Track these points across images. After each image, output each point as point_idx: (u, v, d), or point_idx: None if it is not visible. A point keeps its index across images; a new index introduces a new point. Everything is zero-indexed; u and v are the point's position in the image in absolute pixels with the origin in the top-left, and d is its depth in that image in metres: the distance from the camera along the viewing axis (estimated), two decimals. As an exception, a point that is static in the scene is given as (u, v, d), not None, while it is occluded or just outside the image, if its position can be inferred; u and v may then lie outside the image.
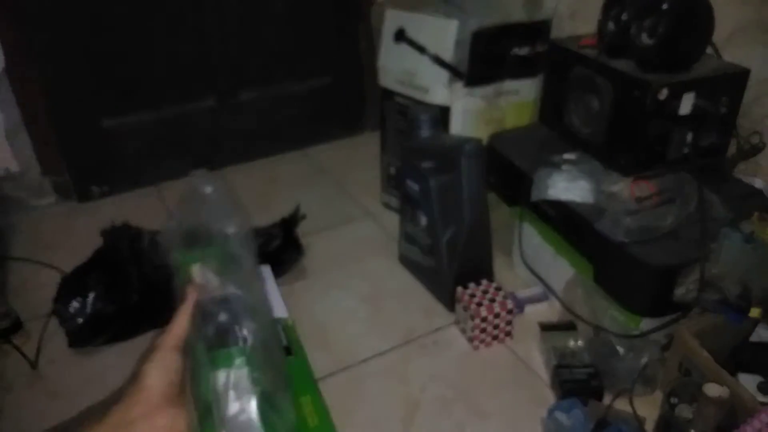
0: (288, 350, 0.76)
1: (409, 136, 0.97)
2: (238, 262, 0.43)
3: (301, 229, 1.07)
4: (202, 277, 0.40)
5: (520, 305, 0.92)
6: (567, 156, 0.85)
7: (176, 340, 0.37)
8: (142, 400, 0.33)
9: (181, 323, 0.38)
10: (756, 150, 0.83)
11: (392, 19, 1.08)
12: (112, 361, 0.86)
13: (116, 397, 0.34)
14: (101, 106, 1.26)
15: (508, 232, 1.00)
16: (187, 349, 0.38)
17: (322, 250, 1.12)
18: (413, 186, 0.95)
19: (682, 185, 0.77)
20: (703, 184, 0.74)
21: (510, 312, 0.86)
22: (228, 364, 0.39)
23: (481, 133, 1.06)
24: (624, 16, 0.76)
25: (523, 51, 1.05)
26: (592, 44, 0.82)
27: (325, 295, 1.00)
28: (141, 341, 0.90)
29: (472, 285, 0.88)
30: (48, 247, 1.12)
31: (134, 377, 0.35)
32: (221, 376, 0.38)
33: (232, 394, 0.38)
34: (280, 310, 0.82)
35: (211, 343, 0.40)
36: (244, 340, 0.40)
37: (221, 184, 0.44)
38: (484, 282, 0.89)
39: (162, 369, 0.35)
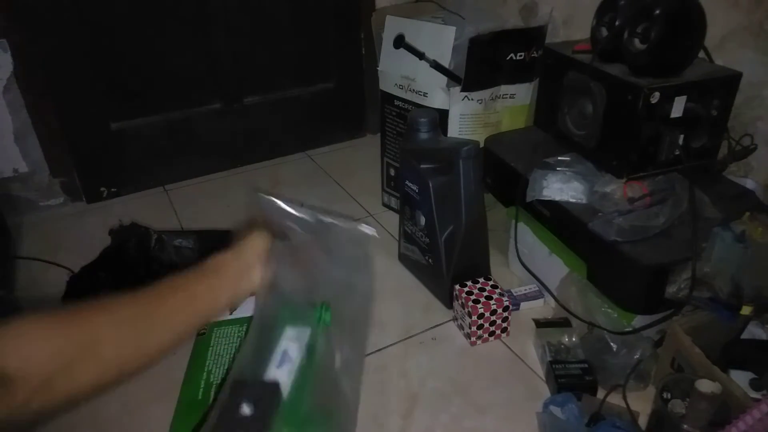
0: None
1: (409, 139, 0.99)
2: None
3: (304, 229, 1.09)
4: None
5: (515, 302, 0.94)
6: (561, 158, 0.86)
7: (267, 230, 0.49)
8: (242, 258, 0.48)
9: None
10: (747, 151, 0.84)
11: (392, 26, 1.10)
12: (119, 356, 0.88)
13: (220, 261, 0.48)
14: (109, 109, 1.29)
15: (504, 232, 1.02)
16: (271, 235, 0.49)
17: (324, 249, 1.14)
18: (412, 187, 0.96)
19: (674, 186, 0.78)
20: (694, 184, 0.75)
21: (506, 309, 0.87)
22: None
23: (478, 135, 1.09)
24: (617, 22, 0.77)
25: (518, 56, 1.07)
26: (585, 49, 0.84)
27: (326, 293, 1.02)
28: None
29: (469, 283, 0.90)
30: (56, 247, 1.14)
31: (240, 245, 0.48)
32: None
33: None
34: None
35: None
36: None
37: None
38: (481, 280, 0.91)
39: (257, 242, 0.49)
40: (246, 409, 0.42)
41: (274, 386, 0.45)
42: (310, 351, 0.47)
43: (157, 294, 0.43)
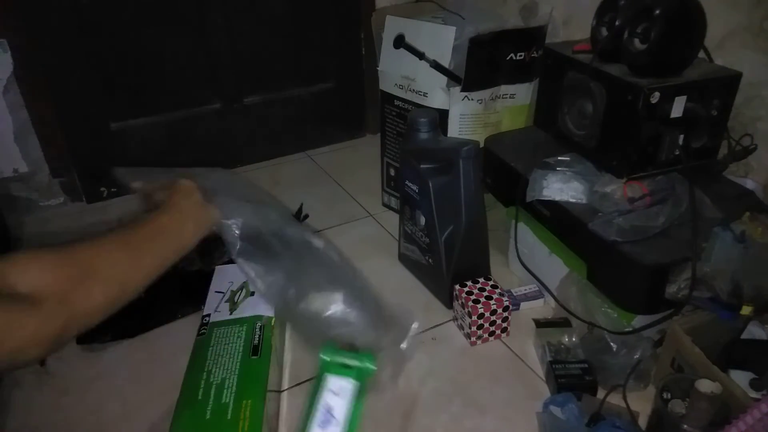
0: (256, 349, 0.75)
1: (409, 139, 0.99)
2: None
3: (304, 229, 1.09)
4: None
5: (515, 302, 0.94)
6: (561, 158, 0.86)
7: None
8: (191, 198, 0.55)
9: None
10: (747, 152, 0.84)
11: (392, 26, 1.10)
12: (119, 357, 0.88)
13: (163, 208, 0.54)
14: (109, 109, 1.29)
15: (504, 232, 1.02)
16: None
17: (324, 249, 1.14)
18: (412, 187, 0.97)
19: (674, 186, 0.78)
20: (694, 184, 0.75)
21: (506, 309, 0.87)
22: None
23: (478, 135, 1.09)
24: (617, 22, 0.77)
25: (518, 56, 1.07)
26: (585, 49, 0.84)
27: (326, 293, 1.02)
28: (148, 338, 0.92)
29: (469, 283, 0.90)
30: (56, 247, 1.15)
31: (181, 189, 0.55)
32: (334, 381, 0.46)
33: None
34: (265, 309, 0.82)
35: None
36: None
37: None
38: (481, 280, 0.91)
39: (191, 186, 0.56)
40: None
41: None
42: (355, 408, 0.45)
43: (132, 228, 0.51)
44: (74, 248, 0.45)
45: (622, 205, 0.78)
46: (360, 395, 0.45)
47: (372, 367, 0.47)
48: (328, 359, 0.46)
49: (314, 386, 0.46)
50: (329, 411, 0.44)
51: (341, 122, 1.61)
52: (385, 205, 1.28)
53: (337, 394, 0.45)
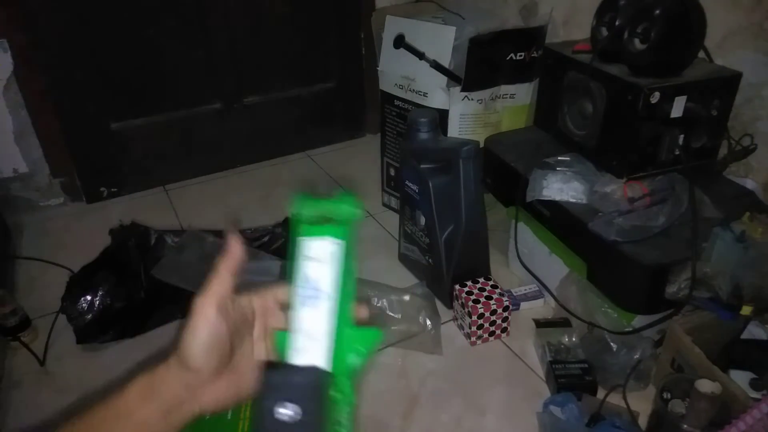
0: None
1: (409, 139, 0.99)
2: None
3: (304, 229, 1.09)
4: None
5: (515, 302, 0.94)
6: (561, 158, 0.86)
7: (215, 300, 0.33)
8: (186, 383, 0.33)
9: (221, 280, 0.33)
10: (747, 152, 0.84)
11: (392, 26, 1.10)
12: (118, 357, 0.88)
13: (156, 378, 0.33)
14: (109, 108, 1.29)
15: (504, 232, 1.02)
16: (228, 306, 0.34)
17: (324, 249, 1.13)
18: (412, 187, 0.97)
19: (674, 186, 0.78)
20: (694, 184, 0.75)
21: (506, 309, 0.87)
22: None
23: (478, 135, 1.09)
24: (617, 22, 0.78)
25: (518, 56, 1.06)
26: (585, 49, 0.84)
27: (326, 293, 1.02)
28: (148, 338, 0.92)
29: (469, 283, 0.90)
30: (56, 247, 1.14)
31: (176, 355, 0.33)
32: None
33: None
34: None
35: None
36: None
37: None
38: (481, 280, 0.91)
39: (201, 343, 0.32)
40: (284, 414, 0.29)
41: (312, 372, 0.31)
42: (345, 270, 0.31)
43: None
44: None
45: (622, 205, 0.77)
46: (348, 251, 0.32)
47: (355, 211, 0.33)
48: (299, 215, 0.32)
49: (292, 254, 0.32)
50: (313, 284, 0.32)
51: (341, 122, 1.61)
52: (385, 205, 1.28)
53: (319, 260, 0.32)
